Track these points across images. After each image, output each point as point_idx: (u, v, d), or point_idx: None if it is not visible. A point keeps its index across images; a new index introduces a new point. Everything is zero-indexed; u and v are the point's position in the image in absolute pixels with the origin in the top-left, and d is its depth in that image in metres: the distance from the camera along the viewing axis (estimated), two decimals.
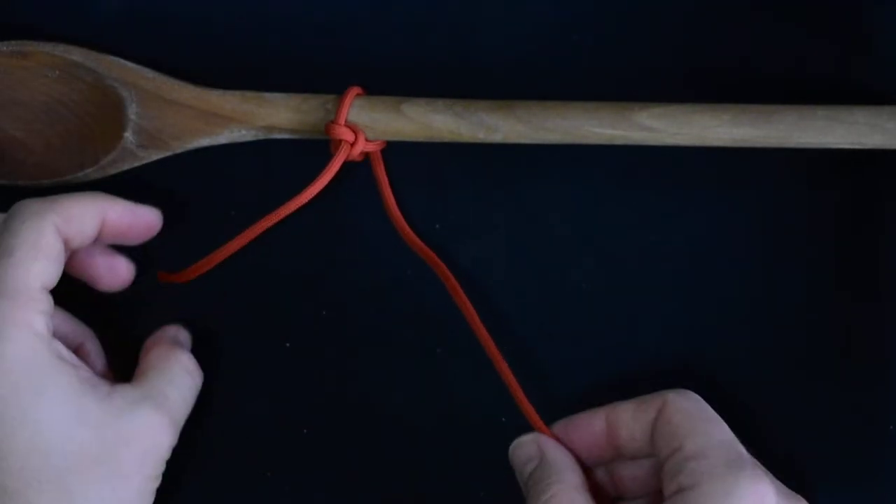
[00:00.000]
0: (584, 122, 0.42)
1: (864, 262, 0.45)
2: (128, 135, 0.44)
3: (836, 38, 0.45)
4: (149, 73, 0.44)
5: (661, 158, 0.45)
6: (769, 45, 0.45)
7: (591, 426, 0.41)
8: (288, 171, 0.45)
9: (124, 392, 0.40)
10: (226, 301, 0.46)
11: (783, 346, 0.45)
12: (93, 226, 0.40)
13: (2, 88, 0.44)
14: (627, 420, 0.40)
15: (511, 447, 0.42)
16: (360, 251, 0.45)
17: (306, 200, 0.43)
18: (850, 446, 0.45)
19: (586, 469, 0.41)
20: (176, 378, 0.42)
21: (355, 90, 0.43)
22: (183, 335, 0.44)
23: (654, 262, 0.45)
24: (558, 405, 0.43)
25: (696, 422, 0.38)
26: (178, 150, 0.44)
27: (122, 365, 0.44)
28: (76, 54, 0.44)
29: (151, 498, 0.40)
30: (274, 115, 0.44)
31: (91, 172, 0.44)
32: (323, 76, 0.45)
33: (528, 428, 0.42)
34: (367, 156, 0.44)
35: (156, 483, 0.40)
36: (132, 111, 0.44)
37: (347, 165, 0.44)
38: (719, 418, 0.39)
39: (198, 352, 0.45)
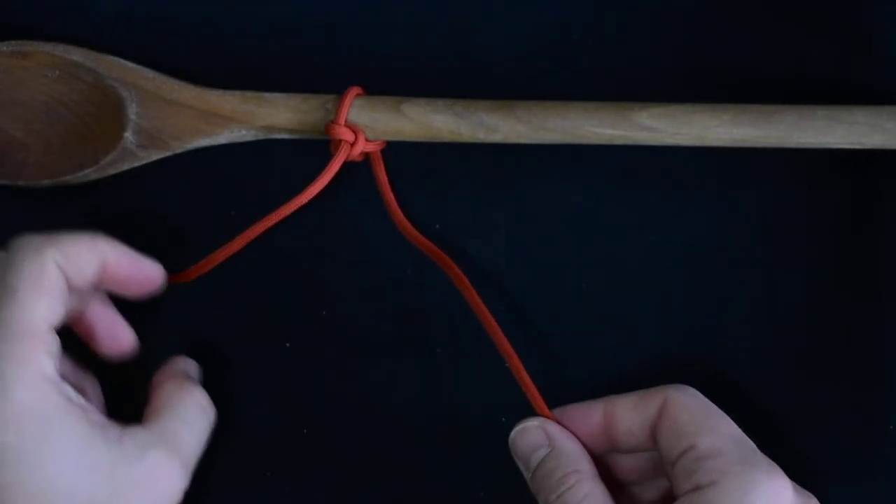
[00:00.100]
0: (584, 122, 0.42)
1: (864, 262, 0.45)
2: (128, 135, 0.44)
3: (836, 38, 0.45)
4: (149, 73, 0.44)
5: (661, 158, 0.45)
6: (769, 45, 0.45)
7: (588, 418, 0.41)
8: (288, 171, 0.45)
9: (135, 435, 0.38)
10: (226, 301, 0.46)
11: (783, 346, 0.45)
12: (93, 267, 0.39)
13: (2, 88, 0.44)
14: (626, 415, 0.40)
15: (514, 434, 0.41)
16: (360, 251, 0.45)
17: (306, 200, 0.43)
18: (850, 446, 0.45)
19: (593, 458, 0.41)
20: (189, 417, 0.40)
21: (355, 90, 0.43)
22: (192, 367, 0.43)
23: (654, 262, 0.45)
24: (558, 405, 0.43)
25: (704, 419, 0.38)
26: (178, 150, 0.44)
27: (121, 367, 0.44)
28: (76, 54, 0.44)
29: None
30: (274, 115, 0.44)
31: (91, 172, 0.44)
32: (323, 76, 0.45)
33: None
34: (367, 156, 0.44)
35: None
36: (132, 111, 0.44)
37: (347, 165, 0.44)
38: (723, 413, 0.39)
39: (198, 352, 0.45)
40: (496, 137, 0.43)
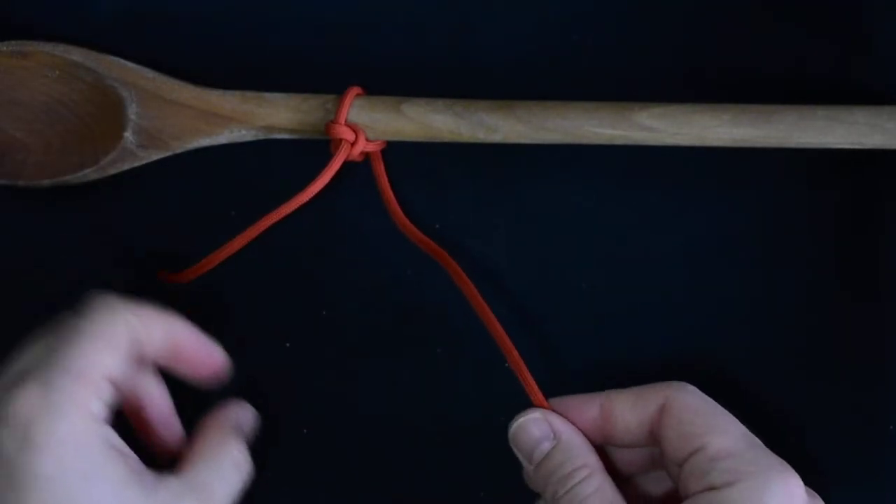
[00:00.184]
0: (584, 122, 0.42)
1: (864, 262, 0.45)
2: (128, 135, 0.44)
3: (836, 38, 0.45)
4: (149, 73, 0.44)
5: (661, 158, 0.45)
6: (769, 45, 0.45)
7: (585, 411, 0.40)
8: (288, 171, 0.45)
9: (169, 485, 0.38)
10: (226, 301, 0.46)
11: (783, 346, 0.45)
12: (161, 339, 0.40)
13: (2, 88, 0.44)
14: (624, 412, 0.39)
15: (515, 425, 0.40)
16: (360, 251, 0.45)
17: (306, 199, 0.43)
18: (850, 446, 0.45)
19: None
20: (224, 472, 0.40)
21: (355, 90, 0.43)
22: (247, 416, 0.43)
23: (654, 262, 0.45)
24: None
25: (712, 418, 0.38)
26: (178, 150, 0.44)
27: None
28: (76, 54, 0.44)
29: None
30: (274, 115, 0.44)
31: (91, 172, 0.44)
32: (323, 76, 0.45)
33: None
34: (367, 156, 0.44)
35: None
36: (132, 111, 0.44)
37: (347, 165, 0.44)
38: (725, 410, 0.39)
39: None
40: (496, 137, 0.43)
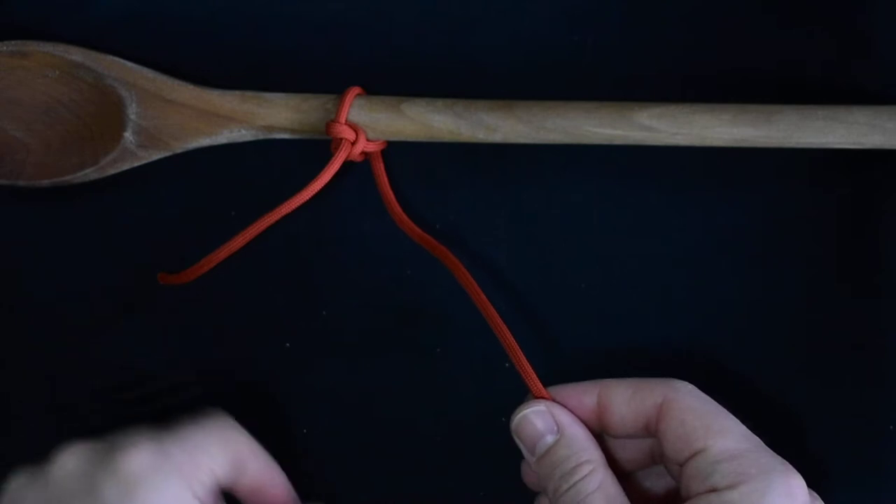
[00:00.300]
0: (584, 122, 0.42)
1: (864, 262, 0.45)
2: (128, 135, 0.44)
3: (835, 39, 0.45)
4: (149, 73, 0.44)
5: (661, 158, 0.45)
6: (769, 45, 0.45)
7: (582, 401, 0.40)
8: (288, 171, 0.45)
9: None
10: (226, 301, 0.46)
11: (783, 345, 0.45)
12: (257, 472, 0.40)
13: (2, 88, 0.44)
14: (621, 405, 0.39)
15: (519, 416, 0.40)
16: (360, 251, 0.45)
17: (306, 199, 0.43)
18: (850, 446, 0.45)
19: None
20: None
21: (355, 90, 0.43)
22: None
23: (654, 261, 0.45)
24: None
25: (713, 419, 0.38)
26: (178, 150, 0.44)
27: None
28: (76, 54, 0.44)
29: None
30: (274, 115, 0.44)
31: (91, 172, 0.44)
32: (323, 76, 0.45)
33: None
34: (367, 156, 0.44)
35: None
36: (132, 111, 0.44)
37: (347, 165, 0.44)
38: (726, 410, 0.39)
39: (198, 352, 0.45)
40: (496, 137, 0.43)
